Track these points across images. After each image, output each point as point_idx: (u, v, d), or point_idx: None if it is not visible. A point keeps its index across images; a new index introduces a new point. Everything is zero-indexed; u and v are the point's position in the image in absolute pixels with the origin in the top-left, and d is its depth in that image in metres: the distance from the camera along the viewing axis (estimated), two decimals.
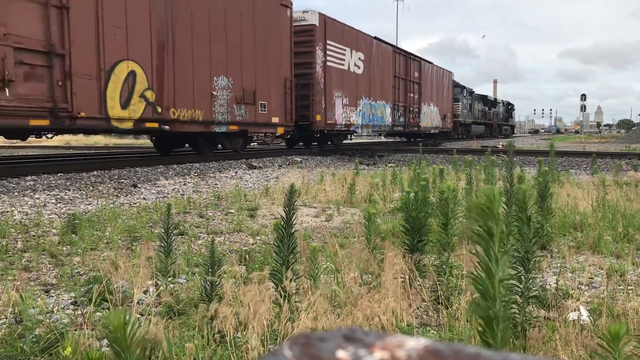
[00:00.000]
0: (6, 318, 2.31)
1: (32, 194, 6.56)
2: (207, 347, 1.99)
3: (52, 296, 2.71)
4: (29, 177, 7.81)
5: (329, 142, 17.13)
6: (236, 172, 10.21)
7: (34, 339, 2.01)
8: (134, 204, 6.12)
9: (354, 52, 16.68)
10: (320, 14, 14.61)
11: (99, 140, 27.55)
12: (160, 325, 1.92)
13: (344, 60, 16.07)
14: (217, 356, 1.92)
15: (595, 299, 2.62)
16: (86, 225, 4.38)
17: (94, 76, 8.34)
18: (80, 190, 7.01)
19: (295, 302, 2.18)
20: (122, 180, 8.22)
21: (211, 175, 9.66)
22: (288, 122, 13.67)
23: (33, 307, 2.43)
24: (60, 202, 6.09)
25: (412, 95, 22.42)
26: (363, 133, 20.05)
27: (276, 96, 13.01)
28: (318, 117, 14.74)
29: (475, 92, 36.85)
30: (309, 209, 5.72)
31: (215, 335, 2.10)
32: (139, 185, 7.81)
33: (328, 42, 15.03)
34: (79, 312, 2.41)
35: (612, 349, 1.21)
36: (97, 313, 2.40)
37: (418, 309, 2.51)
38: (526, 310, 2.04)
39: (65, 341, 1.77)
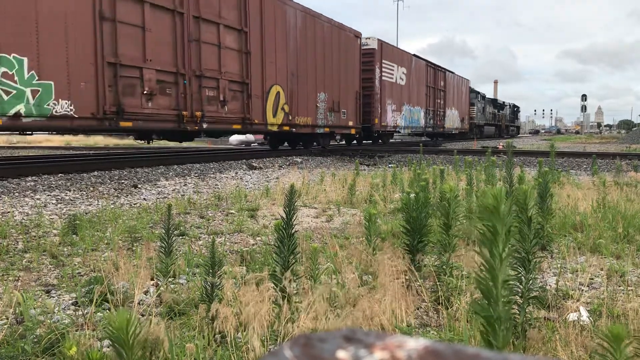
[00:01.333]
0: (7, 318, 2.32)
1: (32, 194, 6.57)
2: (207, 347, 1.99)
3: (53, 297, 2.72)
4: (29, 178, 7.82)
5: (379, 140, 21.16)
6: (236, 173, 10.21)
7: (35, 340, 2.01)
8: (135, 204, 6.13)
9: (399, 67, 21.24)
10: (378, 40, 19.08)
11: (99, 140, 27.56)
12: (162, 326, 1.92)
13: (393, 74, 20.58)
14: (217, 356, 1.92)
15: (595, 299, 2.62)
16: (87, 225, 4.38)
17: (260, 96, 12.72)
18: (80, 191, 7.02)
19: (296, 302, 2.19)
20: (123, 181, 8.22)
21: (211, 175, 9.67)
22: (358, 124, 18.32)
23: (34, 308, 2.43)
24: (60, 203, 6.09)
25: (439, 101, 26.95)
26: (404, 133, 24.67)
27: (351, 105, 17.66)
28: (376, 121, 19.22)
29: (486, 97, 41.33)
30: (310, 209, 5.73)
31: (216, 336, 2.10)
32: (140, 186, 7.82)
33: (383, 61, 19.48)
34: (80, 312, 2.41)
35: (614, 349, 1.22)
36: (98, 313, 2.41)
37: (418, 309, 2.52)
38: (526, 310, 2.04)
39: (68, 341, 1.78)
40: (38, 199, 6.26)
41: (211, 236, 4.11)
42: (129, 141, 30.30)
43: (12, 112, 7.35)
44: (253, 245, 3.99)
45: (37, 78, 7.64)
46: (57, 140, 26.35)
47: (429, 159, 11.14)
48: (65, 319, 2.32)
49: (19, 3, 7.40)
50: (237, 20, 11.79)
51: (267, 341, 2.01)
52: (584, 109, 73.42)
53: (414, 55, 23.16)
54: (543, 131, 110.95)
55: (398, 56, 21.04)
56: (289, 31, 13.71)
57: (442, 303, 2.53)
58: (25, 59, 7.48)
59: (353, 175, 7.90)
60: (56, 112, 7.88)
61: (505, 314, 1.01)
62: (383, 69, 19.40)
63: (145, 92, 9.39)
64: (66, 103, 8.01)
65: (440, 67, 26.94)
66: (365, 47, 18.45)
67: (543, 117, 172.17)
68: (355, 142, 20.27)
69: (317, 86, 15.34)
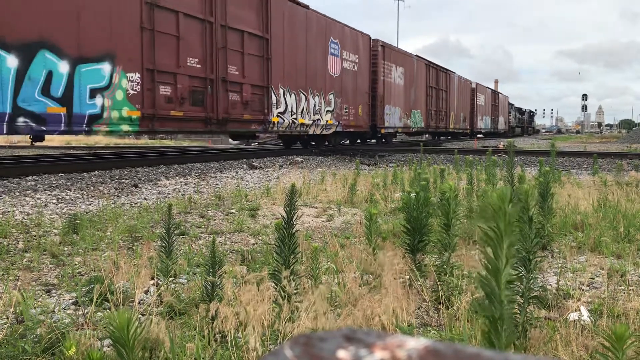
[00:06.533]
0: (7, 318, 2.32)
1: (33, 194, 6.57)
2: (208, 347, 1.99)
3: (54, 296, 2.72)
4: (30, 177, 7.82)
5: (473, 135, 37.35)
6: (237, 172, 10.21)
7: (36, 339, 2.01)
8: (135, 204, 6.13)
9: (482, 95, 37.70)
10: (476, 82, 35.57)
11: (100, 140, 27.55)
12: (162, 326, 1.92)
13: (480, 100, 36.80)
14: (217, 356, 1.92)
15: (596, 299, 2.62)
16: (87, 225, 4.38)
17: (448, 116, 29.01)
18: (81, 190, 7.02)
19: (296, 302, 2.19)
20: (123, 180, 8.22)
21: (212, 175, 9.67)
22: (469, 128, 34.47)
23: (34, 307, 2.43)
24: (61, 202, 6.09)
25: (495, 112, 43.93)
26: (483, 131, 40.57)
27: (468, 118, 33.53)
28: (475, 125, 35.49)
29: (514, 105, 57.30)
30: (310, 209, 5.73)
31: (216, 335, 2.10)
32: (140, 185, 7.82)
33: (477, 93, 35.66)
34: (80, 312, 2.41)
35: (616, 349, 1.21)
36: (98, 313, 2.41)
37: (419, 309, 2.51)
38: (527, 310, 2.04)
39: (68, 341, 1.78)
40: (39, 198, 6.26)
41: (211, 236, 4.11)
42: (130, 141, 30.29)
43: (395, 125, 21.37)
44: (253, 244, 3.99)
45: (392, 108, 20.90)
46: (57, 139, 26.35)
47: (429, 159, 11.13)
48: (65, 319, 2.32)
49: (405, 93, 22.27)
50: (445, 85, 27.48)
51: (267, 341, 2.01)
52: (584, 108, 73.41)
53: (487, 87, 40.72)
54: (543, 131, 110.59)
55: (483, 89, 38.32)
56: (457, 87, 30.21)
57: (442, 302, 2.53)
58: (399, 109, 20.95)
59: (354, 175, 7.90)
60: (404, 125, 21.84)
61: (508, 314, 1.00)
62: (477, 97, 35.77)
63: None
64: (409, 121, 22.21)
65: (497, 91, 45.16)
66: (471, 87, 34.55)
67: (544, 116, 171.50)
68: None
69: (461, 110, 31.57)
